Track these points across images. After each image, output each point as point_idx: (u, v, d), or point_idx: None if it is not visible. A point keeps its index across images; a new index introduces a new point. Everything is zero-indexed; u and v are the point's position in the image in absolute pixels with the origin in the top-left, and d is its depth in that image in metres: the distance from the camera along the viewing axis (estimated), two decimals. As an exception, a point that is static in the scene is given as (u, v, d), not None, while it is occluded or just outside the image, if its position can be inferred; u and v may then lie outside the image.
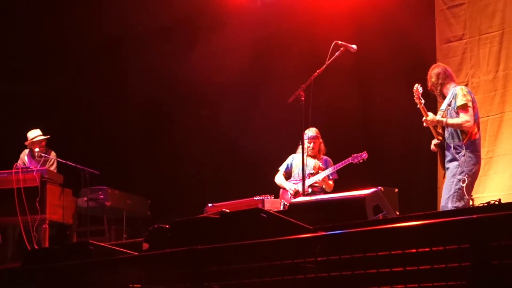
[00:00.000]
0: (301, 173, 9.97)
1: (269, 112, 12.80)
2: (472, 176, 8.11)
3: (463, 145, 8.10)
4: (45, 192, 10.41)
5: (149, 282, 4.90)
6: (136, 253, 5.57)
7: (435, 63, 10.05)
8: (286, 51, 13.14)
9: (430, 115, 8.34)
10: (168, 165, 14.55)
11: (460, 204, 7.93)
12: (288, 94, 8.71)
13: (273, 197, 10.40)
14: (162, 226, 5.73)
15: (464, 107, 8.16)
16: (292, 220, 4.86)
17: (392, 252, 3.75)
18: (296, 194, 9.98)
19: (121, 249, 5.87)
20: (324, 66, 8.54)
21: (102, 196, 12.03)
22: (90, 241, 5.98)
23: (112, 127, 14.53)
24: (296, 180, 10.16)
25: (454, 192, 7.96)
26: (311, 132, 10.19)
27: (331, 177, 10.12)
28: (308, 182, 9.97)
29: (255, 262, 4.39)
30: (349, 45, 8.72)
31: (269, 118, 12.93)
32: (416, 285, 3.65)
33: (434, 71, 8.61)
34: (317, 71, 8.55)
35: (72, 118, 14.39)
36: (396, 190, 10.34)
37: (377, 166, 11.41)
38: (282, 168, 10.50)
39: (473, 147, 8.13)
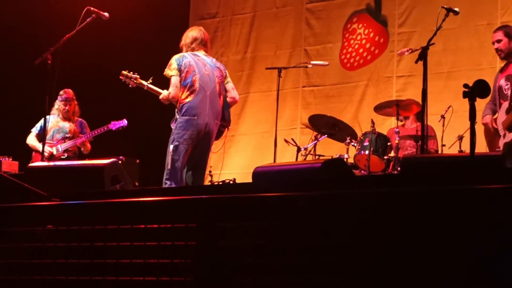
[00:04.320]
0: (57, 136, 9.76)
1: (15, 73, 12.34)
2: (184, 142, 7.59)
3: (177, 112, 7.71)
4: None
5: None
6: None
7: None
8: (36, 14, 12.67)
9: (164, 93, 7.81)
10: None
11: (169, 174, 7.65)
12: (37, 56, 8.48)
13: (11, 159, 10.03)
14: None
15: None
16: (27, 185, 4.78)
17: (121, 226, 3.80)
18: (51, 157, 9.67)
19: None
20: (74, 31, 8.37)
21: None
22: None
23: None
24: (52, 143, 9.79)
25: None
26: (66, 94, 9.94)
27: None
28: (65, 145, 9.72)
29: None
30: (102, 12, 8.58)
31: (13, 79, 12.47)
32: (142, 261, 3.72)
33: (191, 33, 8.02)
34: (67, 35, 8.39)
35: None
36: (138, 161, 10.39)
37: (123, 136, 11.37)
38: (35, 130, 9.99)
39: (184, 111, 7.61)
